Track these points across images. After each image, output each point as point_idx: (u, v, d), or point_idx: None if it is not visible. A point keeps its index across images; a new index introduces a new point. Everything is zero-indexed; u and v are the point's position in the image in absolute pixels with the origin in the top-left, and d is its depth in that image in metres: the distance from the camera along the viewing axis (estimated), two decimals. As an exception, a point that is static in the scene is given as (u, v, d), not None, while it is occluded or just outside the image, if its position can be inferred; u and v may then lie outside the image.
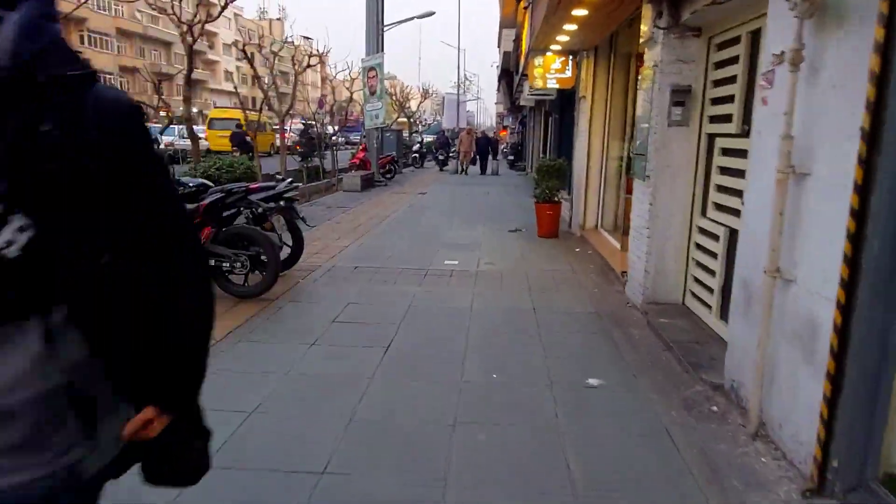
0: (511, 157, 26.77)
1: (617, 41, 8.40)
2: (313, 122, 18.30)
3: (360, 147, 18.53)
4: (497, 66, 62.38)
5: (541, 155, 17.23)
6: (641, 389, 3.71)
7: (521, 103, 18.67)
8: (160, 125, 23.31)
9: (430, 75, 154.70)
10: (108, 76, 49.43)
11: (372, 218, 10.78)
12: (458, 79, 44.82)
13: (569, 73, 8.94)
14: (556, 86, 9.06)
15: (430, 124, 51.72)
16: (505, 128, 63.80)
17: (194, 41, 11.43)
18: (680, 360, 4.03)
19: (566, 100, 13.54)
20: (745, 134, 4.10)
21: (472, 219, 10.96)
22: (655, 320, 4.77)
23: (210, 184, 6.25)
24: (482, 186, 17.56)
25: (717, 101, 4.65)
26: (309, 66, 16.31)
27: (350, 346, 4.35)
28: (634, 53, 8.30)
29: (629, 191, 7.97)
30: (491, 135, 27.33)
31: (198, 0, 11.75)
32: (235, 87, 16.85)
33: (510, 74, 29.53)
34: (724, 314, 4.38)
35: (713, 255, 4.53)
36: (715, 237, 4.50)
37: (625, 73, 8.54)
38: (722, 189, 4.48)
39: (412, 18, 18.94)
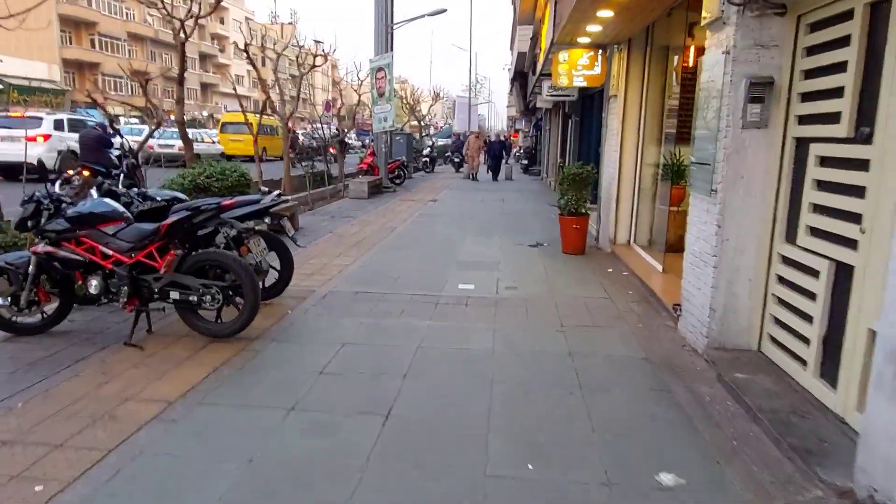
0: (525, 162, 25.71)
1: (653, 33, 7.37)
2: (320, 126, 17.37)
3: (368, 151, 17.58)
4: (509, 69, 61.36)
5: (559, 160, 16.18)
6: (733, 490, 2.68)
7: (538, 105, 17.65)
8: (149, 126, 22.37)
9: (441, 78, 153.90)
10: (117, 79, 49.00)
11: (378, 230, 9.79)
12: (470, 81, 43.85)
13: (598, 70, 7.91)
14: (584, 84, 8.03)
15: (441, 128, 50.80)
16: (517, 131, 62.80)
17: (186, 38, 10.54)
18: (778, 442, 2.99)
19: (588, 100, 12.49)
20: (864, 139, 3.06)
21: (487, 230, 9.94)
22: (729, 374, 3.73)
23: (184, 197, 5.29)
24: (496, 192, 16.55)
25: (810, 96, 3.61)
26: (314, 66, 15.38)
27: (339, 413, 3.35)
28: (674, 46, 7.29)
29: (674, 202, 6.96)
30: (504, 138, 26.06)
31: (192, -5, 10.89)
32: (235, 88, 15.92)
33: (524, 76, 28.50)
34: (825, 373, 3.34)
35: (809, 294, 3.48)
36: (811, 272, 3.46)
37: (662, 69, 7.50)
38: (820, 210, 3.44)
39: (423, 16, 17.98)
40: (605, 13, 6.04)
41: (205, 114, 58.49)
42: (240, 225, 4.67)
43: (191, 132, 28.31)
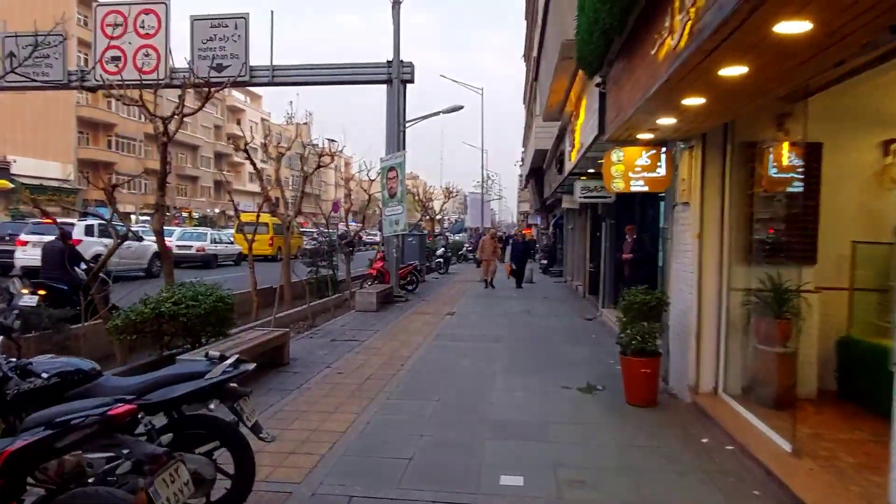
0: (544, 262, 24.07)
1: (734, 127, 5.80)
2: (325, 227, 15.93)
3: (378, 256, 16.01)
4: (520, 165, 61.36)
5: (588, 266, 14.45)
6: None
7: (565, 206, 16.18)
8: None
9: (452, 173, 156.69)
10: (131, 178, 49.00)
11: (386, 362, 7.91)
12: (482, 178, 43.31)
13: (661, 171, 6.31)
14: (644, 188, 6.41)
15: (453, 222, 49.97)
16: (529, 226, 61.94)
17: (169, 139, 9.24)
18: None
19: (626, 203, 10.91)
20: None
21: (521, 362, 8.03)
22: None
23: (89, 367, 3.48)
24: (520, 301, 14.72)
25: None
26: (320, 166, 14.15)
27: None
28: (761, 140, 5.71)
29: (778, 341, 5.12)
30: (521, 236, 24.27)
31: (180, 93, 9.72)
32: (229, 189, 14.63)
33: (540, 173, 27.49)
34: None
35: None
36: None
37: (746, 171, 5.88)
38: None
39: (437, 114, 16.98)
40: (694, 101, 4.44)
41: (217, 211, 58.35)
42: (141, 454, 2.74)
43: (211, 233, 27.52)
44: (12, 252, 16.60)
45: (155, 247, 20.56)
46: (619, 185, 6.41)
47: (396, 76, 14.96)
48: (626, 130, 5.89)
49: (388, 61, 15.18)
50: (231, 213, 53.76)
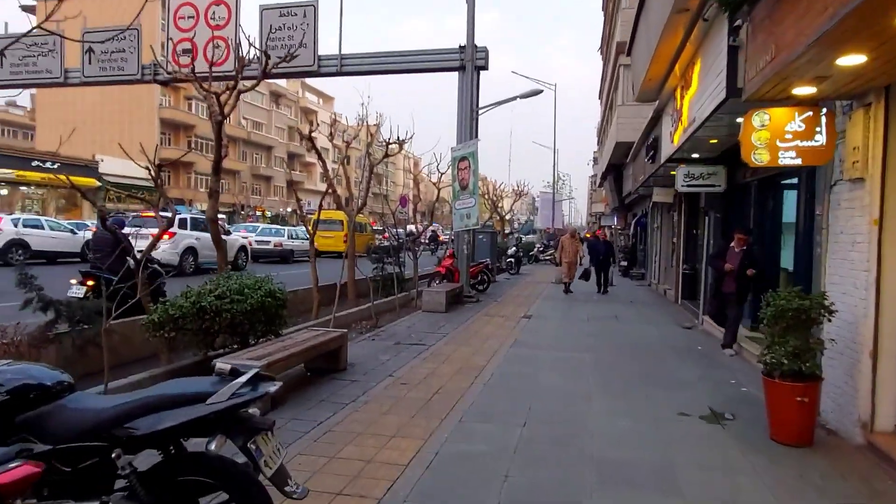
0: (624, 264, 22.27)
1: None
2: (393, 223, 14.94)
3: (447, 253, 14.89)
4: (591, 164, 58.98)
5: (682, 266, 12.77)
6: None
7: (656, 200, 14.46)
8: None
9: (520, 176, 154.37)
10: (207, 177, 50.35)
11: (458, 372, 6.72)
12: (553, 177, 41.63)
13: (820, 140, 4.80)
14: (797, 161, 4.92)
15: (523, 223, 48.40)
16: (601, 227, 59.45)
17: (224, 116, 8.43)
18: None
19: (741, 192, 9.28)
20: None
21: (618, 377, 6.67)
22: None
23: (58, 383, 2.46)
24: (602, 305, 13.23)
25: None
26: (388, 155, 13.17)
27: None
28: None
29: None
30: (605, 235, 22.33)
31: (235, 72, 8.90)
32: (296, 188, 13.89)
33: (618, 169, 25.68)
34: None
35: None
36: None
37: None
38: None
39: (514, 98, 15.66)
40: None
41: (289, 210, 59.12)
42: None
43: (288, 229, 27.42)
44: None
45: (241, 241, 20.80)
46: (762, 158, 4.94)
47: (470, 60, 13.78)
48: (780, 83, 4.44)
49: (461, 46, 14.03)
50: (300, 211, 54.48)
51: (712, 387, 6.28)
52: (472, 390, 5.97)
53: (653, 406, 5.53)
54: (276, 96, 60.29)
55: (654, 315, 11.82)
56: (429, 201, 22.42)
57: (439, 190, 16.13)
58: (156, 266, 9.12)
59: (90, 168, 40.46)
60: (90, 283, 8.26)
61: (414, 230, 16.34)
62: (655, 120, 11.29)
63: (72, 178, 10.60)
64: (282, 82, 57.34)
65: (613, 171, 25.77)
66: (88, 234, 21.01)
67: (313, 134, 12.68)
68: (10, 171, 34.81)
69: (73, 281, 8.47)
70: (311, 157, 66.25)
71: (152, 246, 8.00)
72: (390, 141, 13.15)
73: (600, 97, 35.83)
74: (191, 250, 17.62)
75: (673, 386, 6.32)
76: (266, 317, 6.62)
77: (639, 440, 4.64)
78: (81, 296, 7.96)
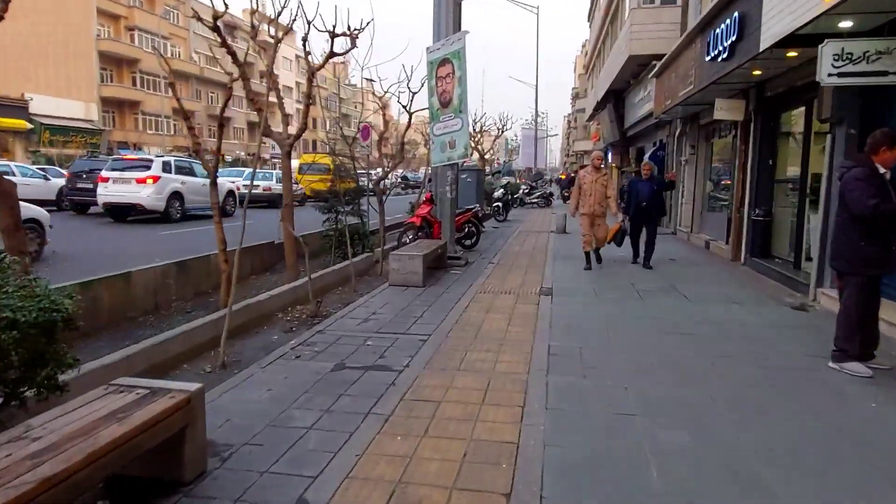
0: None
1: None
2: (351, 159, 10.72)
3: (424, 197, 10.85)
4: (573, 99, 54.32)
5: (753, 209, 8.93)
6: None
7: (721, 115, 9.96)
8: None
9: (494, 116, 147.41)
10: (156, 118, 44.61)
11: (464, 477, 2.84)
12: (536, 110, 37.19)
13: None
14: None
15: (501, 163, 44.10)
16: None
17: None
18: None
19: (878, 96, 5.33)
20: None
21: (788, 457, 2.86)
22: None
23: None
24: (639, 268, 9.36)
25: None
26: (333, 54, 8.80)
27: None
28: None
29: None
30: (652, 171, 9.40)
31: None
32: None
33: (618, 95, 21.55)
34: None
35: None
36: None
37: None
38: None
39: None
40: None
41: (250, 154, 53.77)
42: None
43: (275, 174, 23.33)
44: (93, 190, 15.73)
45: (229, 185, 18.49)
46: None
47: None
48: None
49: None
50: (266, 155, 49.14)
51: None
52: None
53: None
54: (231, 28, 53.73)
55: (723, 284, 8.01)
56: (398, 135, 18.06)
57: (411, 115, 11.85)
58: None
59: (19, 108, 34.68)
60: None
61: (380, 171, 12.20)
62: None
63: None
64: (236, 11, 50.96)
65: (613, 98, 21.64)
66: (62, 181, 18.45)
67: (276, 71, 8.52)
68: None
69: None
70: (273, 97, 60.38)
71: None
72: (343, 34, 8.78)
73: (590, 18, 31.12)
74: (177, 195, 15.98)
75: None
76: (31, 356, 2.65)
77: None
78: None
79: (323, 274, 7.79)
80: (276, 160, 55.96)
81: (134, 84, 43.46)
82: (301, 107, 13.92)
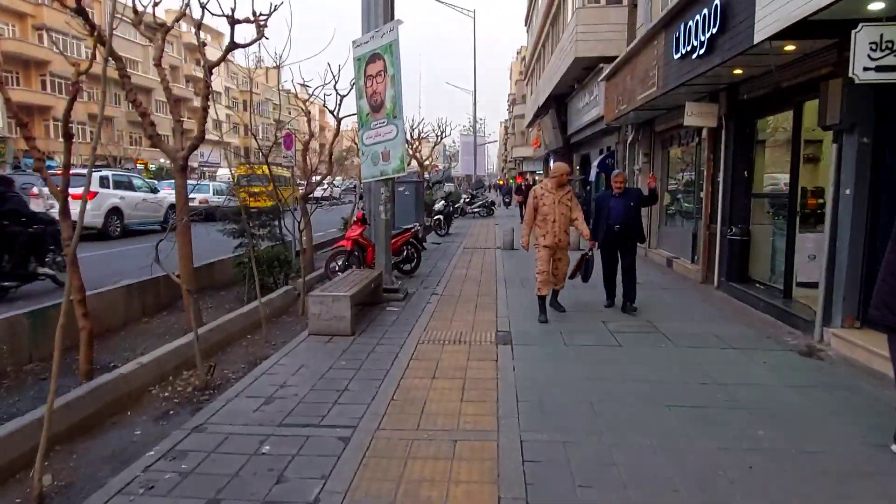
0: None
1: None
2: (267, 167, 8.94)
3: (356, 217, 9.22)
4: (510, 106, 53.67)
5: (727, 226, 7.81)
6: None
7: (687, 121, 8.52)
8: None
9: (433, 123, 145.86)
10: (70, 125, 40.63)
11: None
12: (474, 116, 36.11)
13: None
14: None
15: (439, 170, 42.76)
16: (521, 174, 54.50)
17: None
18: None
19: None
20: None
21: None
22: None
23: None
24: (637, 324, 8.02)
25: None
26: (234, 45, 7.10)
27: None
28: None
29: None
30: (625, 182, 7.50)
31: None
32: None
33: (560, 101, 20.57)
34: None
35: None
36: None
37: None
38: None
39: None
40: None
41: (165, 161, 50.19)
42: None
43: (212, 185, 21.83)
44: None
45: (171, 198, 17.03)
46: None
47: None
48: None
49: None
50: (194, 164, 45.69)
51: None
52: None
53: None
54: (154, 30, 50.04)
55: (706, 318, 6.77)
56: (330, 145, 16.20)
57: (339, 121, 10.21)
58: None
59: None
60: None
61: (304, 184, 10.49)
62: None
63: None
64: (160, 13, 47.30)
65: (555, 103, 20.64)
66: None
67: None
68: None
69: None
70: (198, 102, 56.74)
71: None
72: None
73: (527, 23, 30.24)
74: (116, 211, 15.25)
75: None
76: None
77: None
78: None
79: (224, 322, 6.05)
80: (205, 168, 52.40)
81: (44, 88, 39.48)
82: (230, 112, 11.93)
